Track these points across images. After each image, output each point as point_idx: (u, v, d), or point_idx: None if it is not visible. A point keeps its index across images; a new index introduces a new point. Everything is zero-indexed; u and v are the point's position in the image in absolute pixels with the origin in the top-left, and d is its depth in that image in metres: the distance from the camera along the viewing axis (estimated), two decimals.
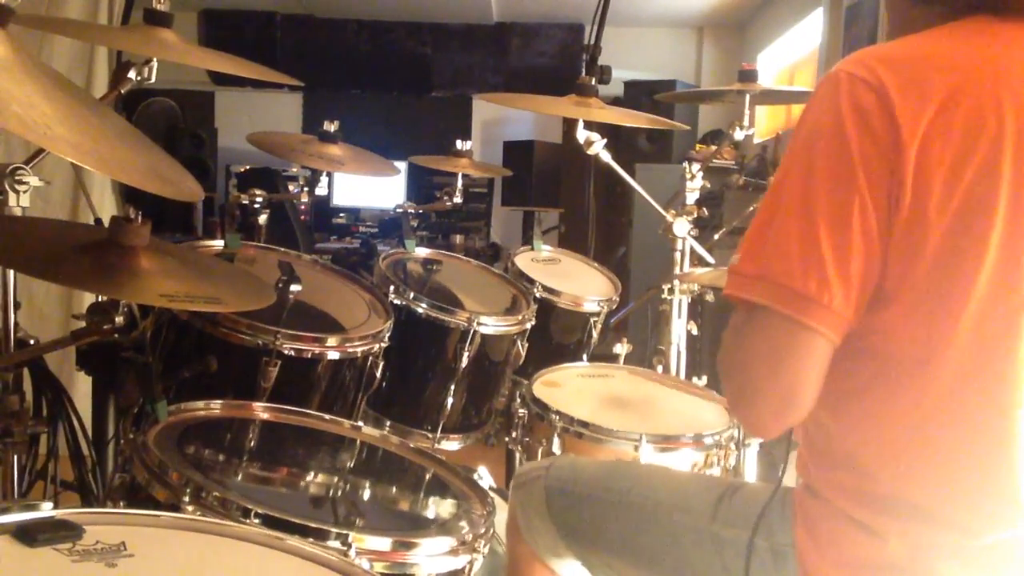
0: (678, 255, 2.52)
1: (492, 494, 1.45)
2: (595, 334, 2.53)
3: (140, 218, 1.22)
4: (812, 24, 4.38)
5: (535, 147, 5.47)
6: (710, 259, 2.53)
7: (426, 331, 2.16)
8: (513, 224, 5.88)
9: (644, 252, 4.54)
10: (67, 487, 1.77)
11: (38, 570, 0.84)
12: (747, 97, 2.46)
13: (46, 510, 0.92)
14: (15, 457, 1.55)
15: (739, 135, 2.49)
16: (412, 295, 2.13)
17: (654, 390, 2.20)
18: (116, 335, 1.31)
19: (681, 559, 1.22)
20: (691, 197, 2.54)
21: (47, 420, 1.65)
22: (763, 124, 4.92)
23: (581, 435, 1.83)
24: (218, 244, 1.97)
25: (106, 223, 1.25)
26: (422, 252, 2.54)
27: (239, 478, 1.37)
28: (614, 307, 2.56)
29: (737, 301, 1.01)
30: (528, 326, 2.28)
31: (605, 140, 2.38)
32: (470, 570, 1.26)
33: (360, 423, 1.68)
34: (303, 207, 5.70)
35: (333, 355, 1.78)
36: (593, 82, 2.25)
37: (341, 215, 6.11)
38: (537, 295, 2.41)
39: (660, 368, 2.51)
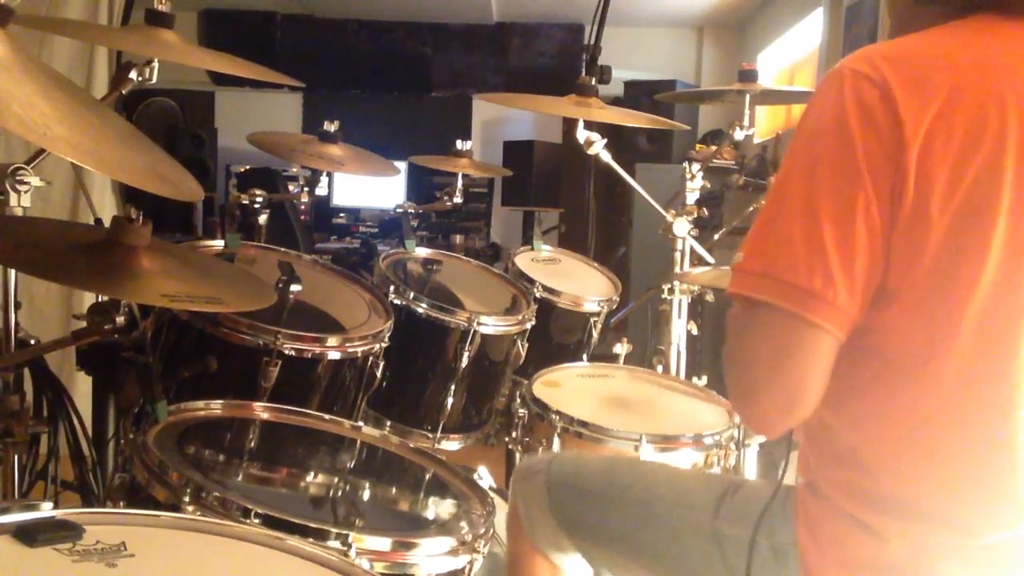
0: (678, 255, 2.52)
1: (492, 494, 1.45)
2: (595, 334, 2.53)
3: (141, 218, 1.22)
4: (812, 24, 4.38)
5: (535, 147, 5.47)
6: (710, 259, 2.53)
7: (426, 331, 2.16)
8: (513, 224, 5.88)
9: (644, 252, 4.54)
10: (67, 487, 1.77)
11: (38, 570, 0.84)
12: (747, 97, 2.46)
13: (46, 510, 0.92)
14: (15, 457, 1.55)
15: (739, 135, 2.49)
16: (412, 295, 2.13)
17: (654, 390, 2.20)
18: (116, 335, 1.31)
19: (682, 555, 1.22)
20: (691, 197, 2.54)
21: (47, 420, 1.65)
22: (763, 124, 4.92)
23: (581, 435, 1.83)
24: (218, 244, 1.97)
25: (106, 223, 1.25)
26: (422, 252, 2.54)
27: (239, 478, 1.37)
28: (614, 307, 2.56)
29: (741, 299, 1.01)
30: (528, 326, 2.28)
31: (605, 140, 2.38)
32: (470, 570, 1.26)
33: (360, 423, 1.68)
34: (303, 207, 5.69)
35: (333, 355, 1.78)
36: (593, 82, 2.25)
37: (341, 215, 6.11)
38: (537, 295, 2.41)
39: (660, 368, 2.51)
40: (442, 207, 2.73)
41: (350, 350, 1.80)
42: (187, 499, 1.15)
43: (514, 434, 2.01)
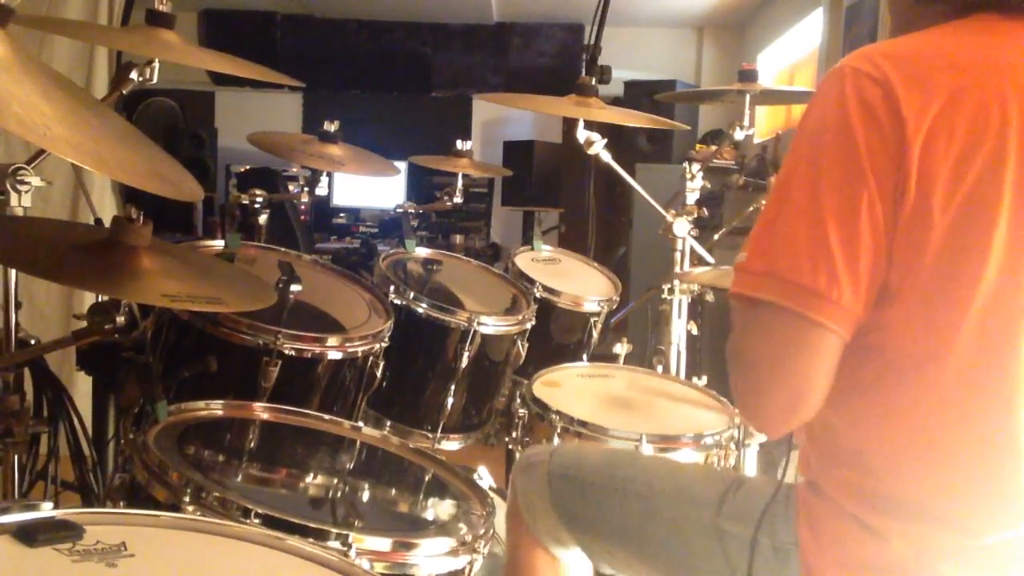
0: (678, 255, 2.52)
1: (492, 494, 1.45)
2: (595, 334, 2.53)
3: (141, 218, 1.22)
4: (812, 24, 4.38)
5: (535, 147, 5.47)
6: (710, 259, 2.53)
7: (426, 331, 2.16)
8: (513, 224, 5.88)
9: (644, 252, 4.54)
10: (67, 487, 1.77)
11: (38, 570, 0.84)
12: (747, 97, 2.46)
13: (46, 510, 0.92)
14: (15, 457, 1.55)
15: (739, 135, 2.49)
16: (412, 295, 2.13)
17: (654, 390, 2.20)
18: (117, 335, 1.31)
19: (683, 551, 1.22)
20: (691, 197, 2.54)
21: (47, 420, 1.65)
22: (763, 124, 4.92)
23: (581, 435, 1.83)
24: (218, 244, 1.97)
25: (106, 223, 1.25)
26: (422, 252, 2.54)
27: (239, 478, 1.37)
28: (614, 307, 2.56)
29: (744, 299, 1.00)
30: (528, 326, 2.28)
31: (605, 140, 2.38)
32: (470, 571, 1.26)
33: (360, 423, 1.68)
34: (303, 207, 5.69)
35: (333, 355, 1.78)
36: (593, 82, 2.25)
37: (341, 215, 6.11)
38: (537, 295, 2.41)
39: (660, 368, 2.51)
40: (442, 207, 2.73)
41: (350, 350, 1.80)
42: (187, 499, 1.15)
43: (514, 434, 2.01)
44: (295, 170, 5.56)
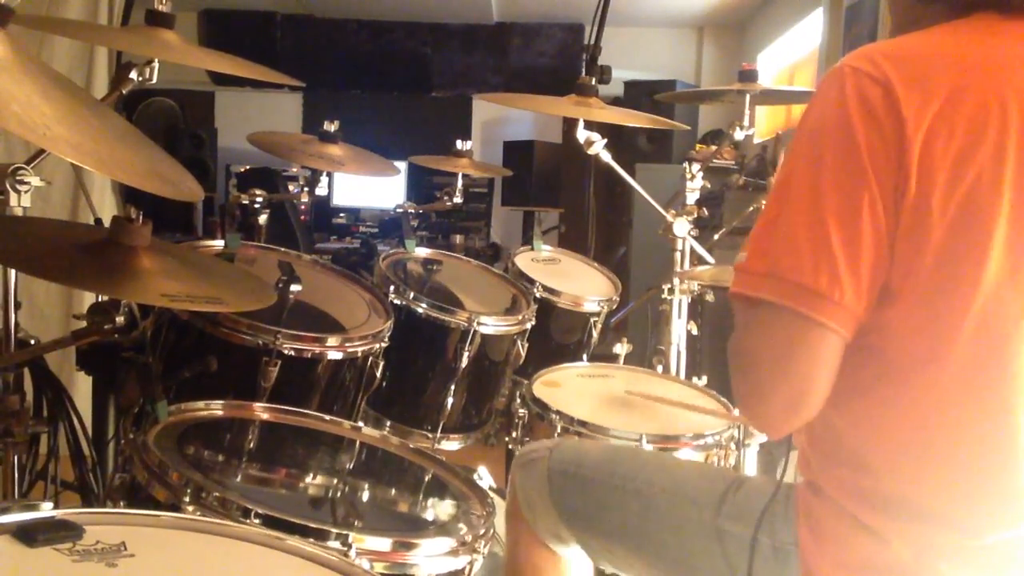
0: (678, 255, 2.52)
1: (492, 494, 1.45)
2: (595, 334, 2.53)
3: (141, 218, 1.22)
4: (812, 24, 4.38)
5: (535, 147, 5.47)
6: (710, 259, 2.53)
7: (426, 331, 2.16)
8: (513, 224, 5.88)
9: (644, 252, 4.54)
10: (67, 487, 1.77)
11: (38, 570, 0.84)
12: (747, 97, 2.46)
13: (46, 510, 0.92)
14: (15, 457, 1.55)
15: (739, 135, 2.49)
16: (412, 295, 2.13)
17: (654, 390, 2.20)
18: (116, 335, 1.31)
19: (683, 549, 1.21)
20: (691, 197, 2.54)
21: (47, 420, 1.65)
22: (763, 124, 4.92)
23: (581, 435, 1.83)
24: (218, 244, 1.97)
25: (106, 223, 1.25)
26: (422, 252, 2.54)
27: (239, 478, 1.37)
28: (614, 307, 2.56)
29: (744, 299, 1.00)
30: (528, 326, 2.28)
31: (605, 140, 2.38)
32: (470, 571, 1.26)
33: (360, 423, 1.68)
34: (303, 207, 5.70)
35: (333, 355, 1.78)
36: (593, 82, 2.25)
37: (341, 215, 6.11)
38: (537, 295, 2.41)
39: (660, 368, 2.51)
40: (442, 207, 2.73)
41: (350, 350, 1.80)
42: (187, 499, 1.15)
43: (514, 434, 2.01)
44: (295, 170, 5.56)
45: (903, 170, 0.94)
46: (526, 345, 2.29)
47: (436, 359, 2.19)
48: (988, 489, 1.00)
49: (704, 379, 2.34)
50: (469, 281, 2.53)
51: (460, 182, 2.70)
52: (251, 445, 1.52)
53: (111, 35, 2.19)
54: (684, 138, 4.94)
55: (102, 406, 1.78)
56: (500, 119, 6.22)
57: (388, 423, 2.18)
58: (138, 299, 1.32)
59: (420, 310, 2.13)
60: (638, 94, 4.88)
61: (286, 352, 1.68)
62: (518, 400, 2.02)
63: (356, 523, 1.33)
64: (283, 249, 2.15)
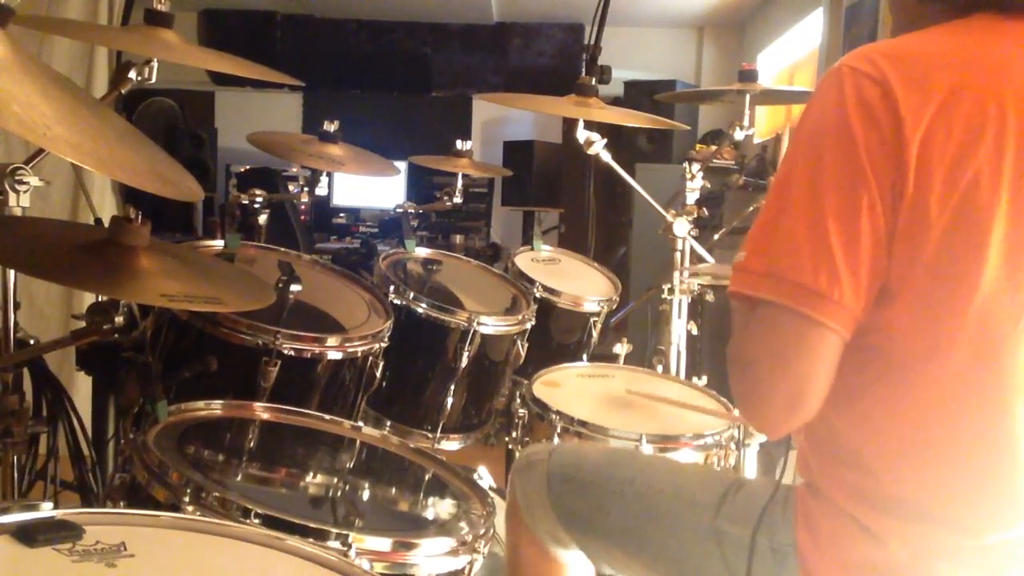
0: (678, 255, 2.52)
1: (492, 494, 1.45)
2: (595, 334, 2.53)
3: (140, 218, 1.22)
4: (812, 24, 4.38)
5: (535, 147, 5.47)
6: (710, 259, 2.53)
7: (426, 331, 2.16)
8: (513, 224, 5.88)
9: (644, 252, 4.54)
10: (67, 487, 1.77)
11: (38, 570, 0.84)
12: (747, 97, 2.46)
13: (46, 510, 0.92)
14: (15, 457, 1.55)
15: (739, 135, 2.49)
16: (412, 295, 2.13)
17: (654, 390, 2.20)
18: (116, 335, 1.31)
19: (682, 552, 1.21)
20: (691, 197, 2.54)
21: (47, 420, 1.65)
22: (763, 124, 4.92)
23: (581, 435, 1.83)
24: (218, 244, 1.97)
25: (106, 223, 1.25)
26: (422, 252, 2.54)
27: (239, 478, 1.37)
28: (614, 307, 2.56)
29: (743, 298, 1.00)
30: (528, 326, 2.28)
31: (605, 140, 2.38)
32: (470, 571, 1.26)
33: (360, 423, 1.68)
34: (303, 207, 5.69)
35: (333, 355, 1.78)
36: (593, 82, 2.25)
37: (341, 215, 6.11)
38: (537, 295, 2.41)
39: (660, 368, 2.51)
40: (442, 207, 2.73)
41: (350, 350, 1.80)
42: (187, 499, 1.15)
43: (514, 434, 2.01)
44: (295, 170, 5.56)
45: (901, 170, 0.94)
46: (526, 345, 2.29)
47: (436, 359, 2.19)
48: (987, 489, 1.00)
49: (704, 379, 2.34)
50: (469, 281, 2.53)
51: (460, 182, 2.70)
52: (251, 445, 1.52)
53: (111, 35, 2.19)
54: (684, 138, 4.94)
55: (102, 406, 1.78)
56: (500, 119, 6.22)
57: (388, 423, 2.18)
58: (138, 299, 1.32)
59: (420, 310, 2.13)
60: (638, 94, 4.88)
61: (286, 352, 1.68)
62: (518, 400, 2.02)
63: (356, 523, 1.33)
64: (283, 249, 2.15)
